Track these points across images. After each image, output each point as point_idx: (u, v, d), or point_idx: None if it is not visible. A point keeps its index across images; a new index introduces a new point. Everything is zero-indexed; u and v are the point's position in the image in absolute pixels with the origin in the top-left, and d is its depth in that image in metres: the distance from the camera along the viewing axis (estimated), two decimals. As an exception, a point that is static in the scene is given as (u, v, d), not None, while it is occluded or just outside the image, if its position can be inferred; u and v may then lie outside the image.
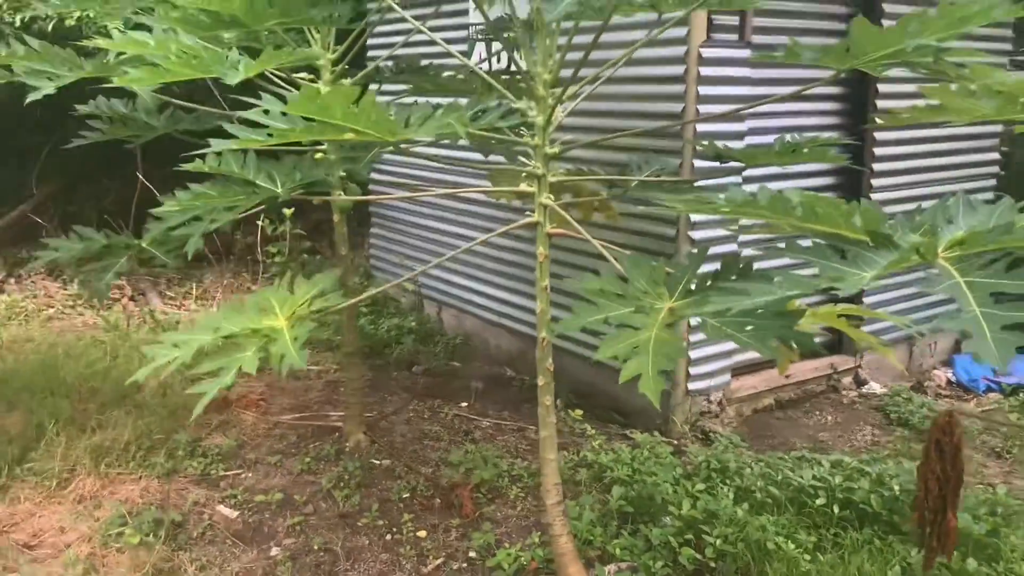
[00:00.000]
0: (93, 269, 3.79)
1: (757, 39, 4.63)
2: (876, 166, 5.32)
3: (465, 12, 5.86)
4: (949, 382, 5.85)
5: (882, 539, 3.51)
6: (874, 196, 5.37)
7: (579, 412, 4.80)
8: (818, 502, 3.67)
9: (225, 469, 4.31)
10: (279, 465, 4.38)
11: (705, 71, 4.40)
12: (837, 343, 5.64)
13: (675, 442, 4.63)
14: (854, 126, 5.18)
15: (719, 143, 3.43)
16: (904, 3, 5.18)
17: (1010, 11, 2.07)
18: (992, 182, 6.05)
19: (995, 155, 6.05)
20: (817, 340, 2.17)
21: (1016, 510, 3.62)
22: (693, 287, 2.32)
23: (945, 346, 6.09)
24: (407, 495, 4.08)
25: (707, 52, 4.39)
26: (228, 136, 2.19)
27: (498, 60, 5.55)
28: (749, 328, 2.02)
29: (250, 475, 4.28)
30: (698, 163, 4.42)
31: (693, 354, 4.73)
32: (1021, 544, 3.34)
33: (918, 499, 2.57)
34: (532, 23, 2.86)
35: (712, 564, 3.40)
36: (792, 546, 3.39)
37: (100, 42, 2.70)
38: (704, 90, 4.42)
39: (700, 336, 4.74)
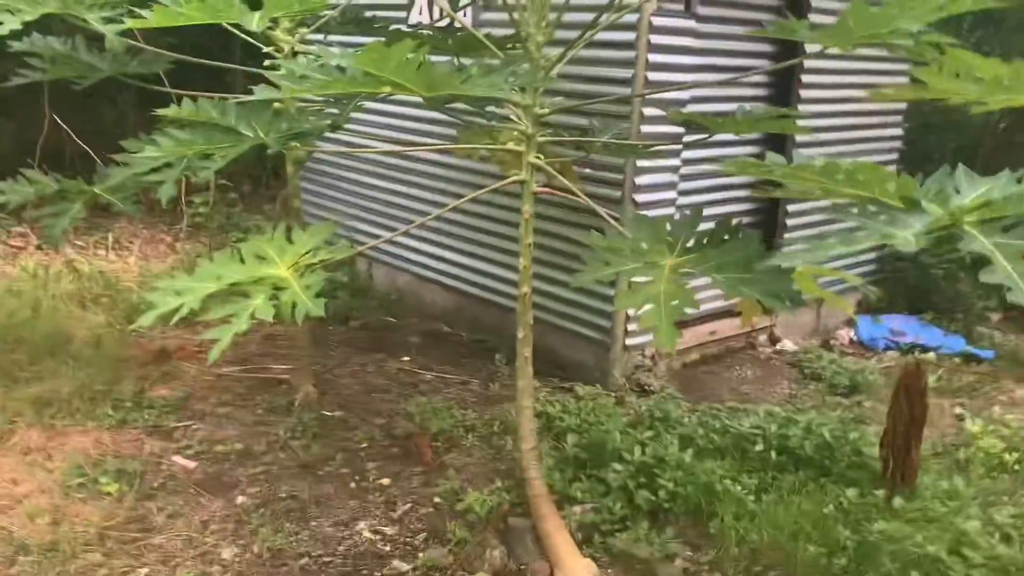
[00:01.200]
0: (44, 215, 3.67)
1: (702, 10, 4.83)
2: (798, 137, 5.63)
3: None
4: (851, 341, 6.32)
5: (815, 481, 3.83)
6: (795, 152, 5.67)
7: (524, 366, 4.95)
8: (757, 448, 3.97)
9: (176, 420, 4.28)
10: (230, 417, 4.38)
11: (655, 39, 4.57)
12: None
13: (615, 394, 4.86)
14: (780, 99, 5.48)
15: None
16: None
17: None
18: (895, 156, 6.51)
19: (898, 131, 6.50)
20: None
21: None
22: (691, 244, 2.50)
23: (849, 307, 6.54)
24: (365, 444, 4.17)
25: (657, 20, 4.56)
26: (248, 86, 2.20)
27: (430, 16, 5.59)
28: (751, 284, 2.21)
29: (203, 426, 4.26)
30: (645, 128, 4.60)
31: (631, 311, 4.95)
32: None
33: (884, 437, 2.85)
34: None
35: (666, 505, 3.65)
36: (738, 488, 3.67)
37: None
38: (653, 57, 4.59)
39: (639, 294, 4.97)
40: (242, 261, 2.75)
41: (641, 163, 4.71)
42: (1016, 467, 4.25)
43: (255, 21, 2.45)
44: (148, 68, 4.24)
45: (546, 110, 3.00)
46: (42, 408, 4.19)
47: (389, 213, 6.26)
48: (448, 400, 4.68)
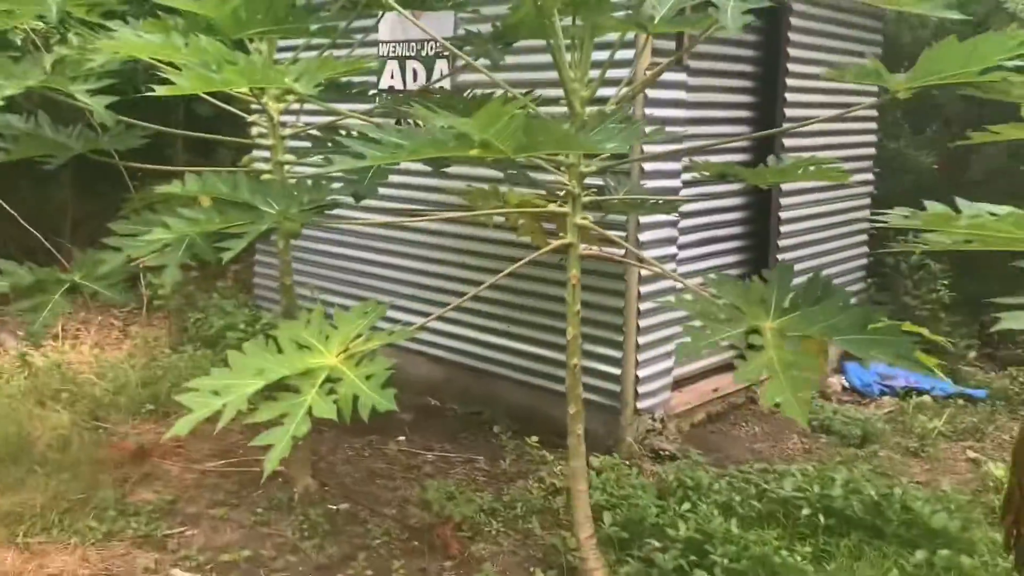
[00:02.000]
0: (23, 309, 3.28)
1: (692, 63, 4.76)
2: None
3: (375, 29, 5.63)
4: (844, 388, 6.22)
5: (869, 544, 3.64)
6: (783, 201, 5.61)
7: (534, 438, 4.67)
8: (804, 512, 3.76)
9: (168, 527, 3.85)
10: (227, 519, 3.97)
11: (652, 93, 4.46)
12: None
13: (629, 463, 4.61)
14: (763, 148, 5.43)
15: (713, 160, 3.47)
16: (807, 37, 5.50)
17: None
18: (868, 200, 6.54)
19: (870, 176, 6.54)
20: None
21: None
22: (787, 305, 2.30)
23: (835, 354, 6.47)
24: (381, 540, 3.81)
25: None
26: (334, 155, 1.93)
27: (403, 81, 5.41)
28: (880, 347, 2.02)
29: (197, 532, 3.84)
30: (645, 183, 4.46)
31: (641, 372, 4.74)
32: None
33: (1009, 499, 2.66)
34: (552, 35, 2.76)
35: (720, 581, 3.39)
36: (796, 558, 3.45)
37: (107, 44, 2.33)
38: (650, 111, 4.47)
39: (649, 354, 4.77)
40: (279, 350, 2.44)
41: (644, 219, 4.55)
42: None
43: (309, 86, 2.20)
44: (123, 143, 3.92)
45: (592, 168, 2.79)
46: (12, 524, 3.72)
47: (365, 284, 5.94)
48: (458, 482, 4.35)
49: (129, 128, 3.94)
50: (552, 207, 2.85)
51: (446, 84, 5.21)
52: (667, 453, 4.76)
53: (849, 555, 3.55)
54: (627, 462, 4.59)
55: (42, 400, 5.01)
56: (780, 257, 5.68)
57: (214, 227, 2.72)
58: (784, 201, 5.65)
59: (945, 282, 6.57)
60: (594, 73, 2.91)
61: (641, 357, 4.73)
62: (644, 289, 4.66)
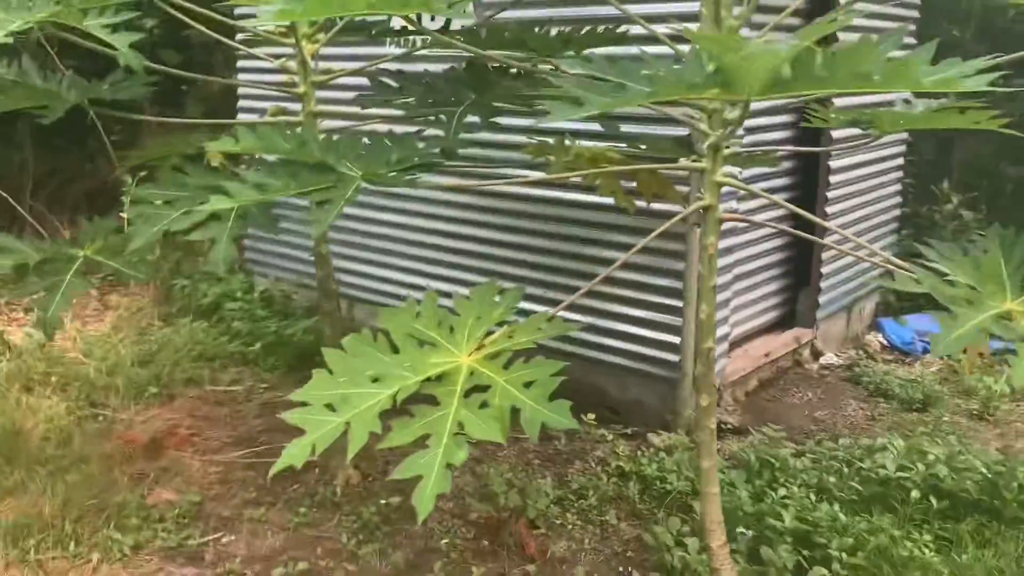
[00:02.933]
0: (34, 291, 2.74)
1: None
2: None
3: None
4: (883, 346, 5.92)
5: (988, 528, 3.32)
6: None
7: (591, 416, 4.25)
8: (913, 495, 3.42)
9: (200, 535, 3.37)
10: (266, 520, 3.50)
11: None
12: (790, 315, 5.50)
13: (691, 439, 4.24)
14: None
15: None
16: None
17: None
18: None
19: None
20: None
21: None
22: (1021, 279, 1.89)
23: (868, 311, 6.17)
24: (446, 541, 3.38)
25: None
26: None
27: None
28: None
29: (236, 539, 3.38)
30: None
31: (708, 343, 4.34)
32: None
33: None
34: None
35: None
36: (927, 551, 3.11)
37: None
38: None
39: (709, 321, 4.37)
40: (394, 348, 1.96)
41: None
42: None
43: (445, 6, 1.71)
44: (127, 93, 3.33)
45: (736, 114, 2.33)
46: (20, 539, 3.21)
47: (371, 244, 5.39)
48: (512, 466, 3.94)
49: (128, 75, 3.35)
50: (687, 163, 2.40)
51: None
52: (729, 426, 4.41)
53: (972, 542, 3.22)
54: (689, 438, 4.22)
55: (29, 385, 4.45)
56: (827, 210, 5.30)
57: (288, 192, 2.21)
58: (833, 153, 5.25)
59: (981, 232, 6.27)
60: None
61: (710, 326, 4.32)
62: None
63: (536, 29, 3.10)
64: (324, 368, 2.01)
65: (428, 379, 1.84)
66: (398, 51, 3.61)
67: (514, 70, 3.01)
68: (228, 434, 4.24)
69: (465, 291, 4.93)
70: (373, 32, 3.91)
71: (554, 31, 2.92)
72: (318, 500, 3.62)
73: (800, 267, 5.45)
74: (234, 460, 3.98)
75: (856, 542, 3.15)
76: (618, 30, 3.04)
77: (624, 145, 3.22)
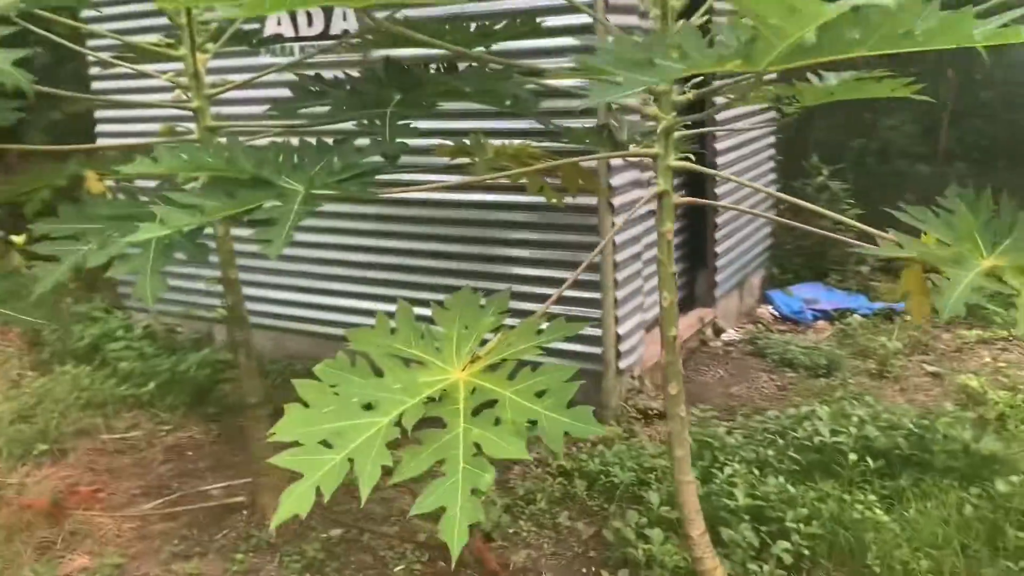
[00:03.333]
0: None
1: None
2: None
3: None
4: (775, 317, 6.13)
5: (924, 482, 3.44)
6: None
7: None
8: (851, 457, 3.51)
9: (131, 601, 3.07)
10: (199, 574, 3.22)
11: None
12: (690, 297, 5.61)
13: (622, 427, 4.23)
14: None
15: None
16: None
17: None
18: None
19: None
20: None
21: None
22: (993, 236, 1.93)
23: (757, 285, 6.37)
24: (401, 568, 3.22)
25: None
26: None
27: (310, 23, 4.62)
28: None
29: (170, 599, 3.09)
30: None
31: (620, 329, 4.34)
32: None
33: None
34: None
35: (804, 551, 3.08)
36: (872, 511, 3.20)
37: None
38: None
39: (626, 308, 4.37)
40: (376, 371, 1.80)
41: (615, 163, 4.11)
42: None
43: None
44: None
45: (688, 95, 2.29)
46: (-84, 636, 2.82)
47: (266, 266, 5.11)
48: (452, 480, 3.79)
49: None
50: (640, 149, 2.34)
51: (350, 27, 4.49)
52: (655, 412, 4.42)
53: (913, 497, 3.34)
54: (622, 428, 4.21)
55: None
56: (716, 191, 5.42)
57: (227, 213, 2.00)
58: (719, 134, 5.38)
59: (850, 200, 6.61)
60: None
61: (619, 313, 4.32)
62: (619, 239, 4.24)
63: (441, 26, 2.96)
64: (297, 402, 1.83)
65: (429, 400, 1.69)
66: (281, 61, 3.41)
67: (433, 66, 2.88)
68: (136, 485, 3.89)
69: (373, 306, 4.82)
70: (255, 41, 3.70)
71: (473, 25, 2.80)
72: (253, 544, 3.37)
73: (695, 249, 5.56)
74: (149, 513, 3.65)
75: (810, 512, 3.20)
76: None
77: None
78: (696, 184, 5.39)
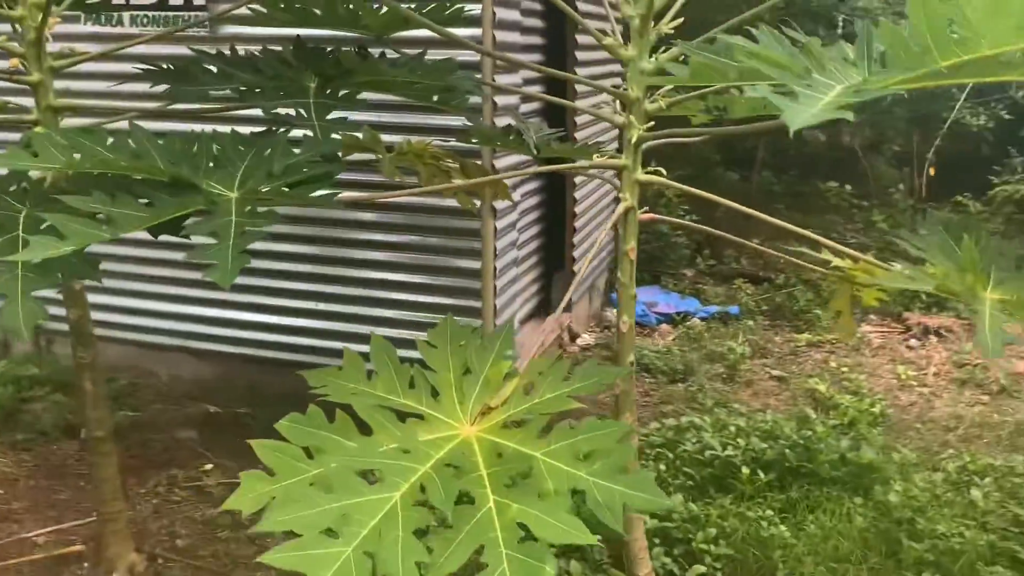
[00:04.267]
0: None
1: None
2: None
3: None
4: (621, 321, 6.14)
5: (817, 493, 3.48)
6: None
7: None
8: (744, 471, 3.50)
9: None
10: (39, 647, 2.67)
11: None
12: (546, 301, 5.49)
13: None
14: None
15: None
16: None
17: None
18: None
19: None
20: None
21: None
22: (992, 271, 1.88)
23: (602, 288, 6.37)
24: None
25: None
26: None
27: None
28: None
29: None
30: (498, 120, 3.79)
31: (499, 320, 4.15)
32: None
33: None
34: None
35: (719, 574, 3.02)
36: (775, 528, 3.19)
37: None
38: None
39: (503, 317, 4.17)
40: (364, 431, 1.46)
41: (499, 163, 3.90)
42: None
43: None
44: None
45: (659, 103, 2.10)
46: None
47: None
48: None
49: None
50: (607, 160, 2.12)
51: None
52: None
53: (806, 509, 3.37)
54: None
55: None
56: (575, 195, 5.34)
57: (148, 224, 1.56)
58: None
59: (685, 207, 6.80)
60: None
61: (499, 322, 4.12)
62: (499, 244, 4.03)
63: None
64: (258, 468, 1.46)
65: (447, 466, 1.37)
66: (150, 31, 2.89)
67: (346, 48, 2.50)
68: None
69: (195, 309, 4.29)
70: (88, 3, 3.15)
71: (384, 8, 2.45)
72: (103, 603, 2.85)
73: (551, 253, 5.45)
74: (-43, 571, 3.01)
75: (717, 531, 3.14)
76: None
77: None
78: (555, 188, 5.29)
